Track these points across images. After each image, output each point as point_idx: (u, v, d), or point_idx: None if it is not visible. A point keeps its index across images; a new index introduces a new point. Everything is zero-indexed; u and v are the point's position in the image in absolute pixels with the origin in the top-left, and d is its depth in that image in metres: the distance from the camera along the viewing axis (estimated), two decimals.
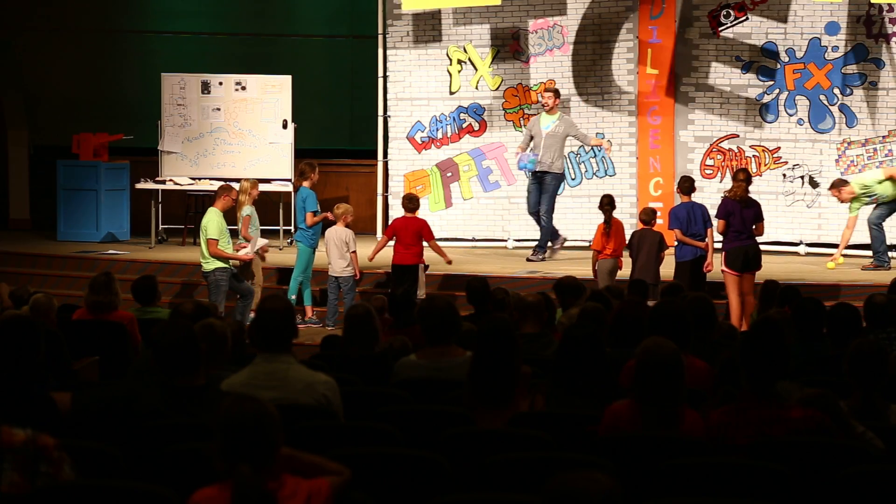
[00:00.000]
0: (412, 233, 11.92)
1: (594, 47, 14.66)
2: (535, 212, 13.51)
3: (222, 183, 12.91)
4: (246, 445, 3.63)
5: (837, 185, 13.23)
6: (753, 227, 11.32)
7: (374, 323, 6.61)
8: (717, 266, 11.63)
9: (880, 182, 13.13)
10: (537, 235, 13.79)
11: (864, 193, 13.18)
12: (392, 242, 12.14)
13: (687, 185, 11.96)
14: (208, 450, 3.71)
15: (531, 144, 13.44)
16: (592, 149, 14.66)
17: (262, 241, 12.46)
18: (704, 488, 4.44)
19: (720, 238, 11.51)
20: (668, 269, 11.78)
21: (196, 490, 3.71)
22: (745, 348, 4.93)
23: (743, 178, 11.44)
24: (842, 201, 13.34)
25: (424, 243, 11.98)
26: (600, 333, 5.67)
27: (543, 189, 13.42)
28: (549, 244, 13.62)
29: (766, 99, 14.30)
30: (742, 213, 11.25)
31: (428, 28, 15.04)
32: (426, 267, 12.09)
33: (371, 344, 6.57)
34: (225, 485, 3.62)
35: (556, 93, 13.71)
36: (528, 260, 13.43)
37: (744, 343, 4.98)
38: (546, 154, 13.29)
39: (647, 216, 11.94)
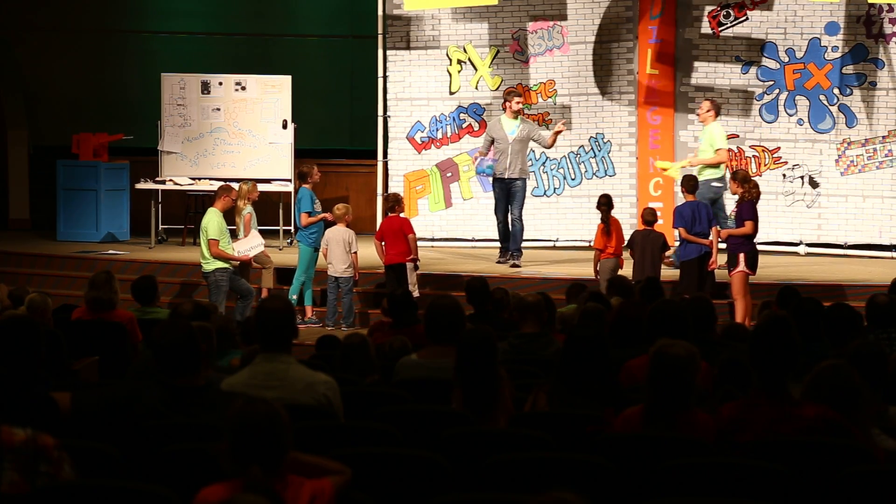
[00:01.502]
0: (394, 232, 11.96)
1: (594, 47, 14.66)
2: (505, 219, 13.18)
3: (222, 183, 12.91)
4: (256, 447, 3.65)
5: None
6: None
7: (369, 353, 6.55)
8: (718, 266, 11.66)
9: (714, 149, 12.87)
10: (538, 235, 13.75)
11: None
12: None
13: (692, 184, 11.99)
14: (217, 449, 3.72)
15: (492, 149, 13.10)
16: (592, 149, 14.66)
17: (253, 243, 12.31)
18: (704, 488, 4.44)
19: (718, 238, 11.56)
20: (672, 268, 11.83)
21: (201, 488, 3.71)
22: (754, 347, 4.92)
23: (746, 175, 11.51)
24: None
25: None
26: (605, 334, 5.68)
27: (513, 194, 13.07)
28: (504, 255, 13.33)
29: (766, 99, 14.31)
30: (758, 212, 11.35)
31: (428, 28, 15.04)
32: (416, 266, 12.06)
33: (365, 373, 6.49)
34: (232, 484, 3.63)
35: (521, 95, 13.59)
36: (513, 266, 13.04)
37: (753, 341, 4.97)
38: (515, 160, 12.97)
39: (650, 216, 11.98)
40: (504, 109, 13.37)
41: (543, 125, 14.22)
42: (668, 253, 12.13)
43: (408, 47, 15.10)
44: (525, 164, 13.21)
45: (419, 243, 12.32)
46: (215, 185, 12.88)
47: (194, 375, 4.99)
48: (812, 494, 4.53)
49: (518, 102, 13.16)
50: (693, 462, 4.57)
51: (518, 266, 12.99)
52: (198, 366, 5.01)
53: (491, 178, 13.36)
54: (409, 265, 11.95)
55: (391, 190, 15.01)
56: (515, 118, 13.11)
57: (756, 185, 11.46)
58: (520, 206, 13.13)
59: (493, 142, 13.12)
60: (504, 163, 12.98)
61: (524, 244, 13.50)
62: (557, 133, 13.14)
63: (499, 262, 13.26)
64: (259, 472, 3.60)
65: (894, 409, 5.36)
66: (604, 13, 14.60)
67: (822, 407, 4.78)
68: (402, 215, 12.26)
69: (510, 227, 13.16)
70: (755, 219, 11.25)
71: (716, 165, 12.90)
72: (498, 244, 13.74)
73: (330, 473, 3.92)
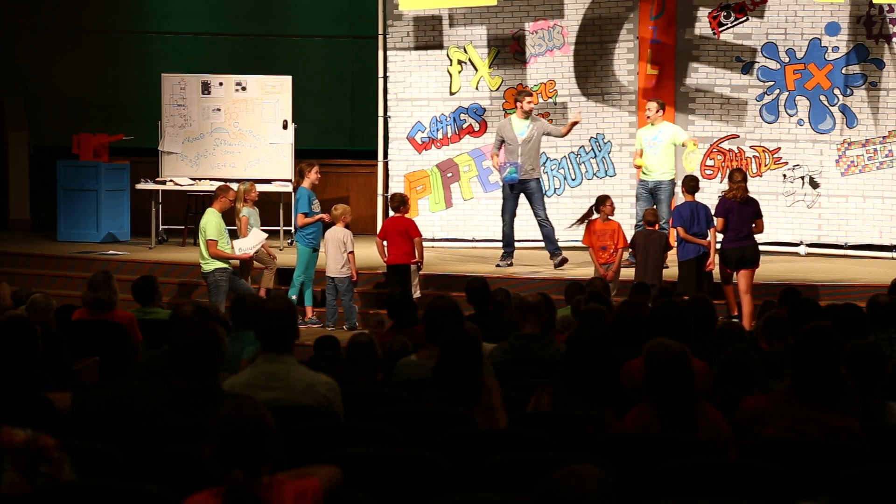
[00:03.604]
0: (399, 232, 11.94)
1: (594, 47, 14.66)
2: (511, 221, 13.05)
3: (220, 183, 12.91)
4: (242, 450, 3.60)
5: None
6: (753, 224, 11.39)
7: (375, 352, 6.55)
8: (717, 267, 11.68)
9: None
10: (538, 235, 13.66)
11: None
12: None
13: (692, 185, 12.02)
14: (202, 452, 3.69)
15: (503, 149, 12.94)
16: (593, 149, 14.66)
17: (254, 241, 12.28)
18: (705, 488, 4.43)
19: (720, 237, 11.59)
20: (672, 268, 11.85)
21: (189, 495, 3.69)
22: (797, 352, 4.89)
23: (740, 178, 11.57)
24: None
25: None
26: (609, 335, 5.68)
27: (532, 197, 12.93)
28: (505, 260, 13.21)
29: (767, 99, 14.31)
30: (741, 212, 11.32)
31: (428, 28, 15.04)
32: (419, 267, 12.05)
33: (371, 373, 6.49)
34: (217, 490, 3.60)
35: (532, 94, 13.37)
36: (560, 265, 12.92)
37: (796, 348, 4.93)
38: (527, 161, 12.81)
39: (652, 217, 12.04)
40: (515, 109, 13.19)
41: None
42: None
43: (408, 48, 15.10)
44: (537, 163, 13.07)
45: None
46: (215, 186, 12.87)
47: (204, 378, 4.93)
48: (814, 495, 4.53)
49: (529, 102, 12.98)
50: (693, 462, 4.57)
51: (566, 260, 12.86)
52: (213, 369, 4.95)
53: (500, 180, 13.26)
54: (413, 266, 11.94)
55: (392, 190, 15.01)
56: (526, 118, 12.94)
57: (735, 186, 11.50)
58: (542, 207, 12.97)
59: (503, 142, 13.00)
60: (519, 165, 12.82)
61: (526, 244, 13.48)
62: (574, 124, 13.14)
63: (498, 266, 13.11)
64: (241, 476, 3.56)
65: (893, 405, 5.38)
66: (604, 13, 14.60)
67: (849, 419, 4.78)
68: (406, 216, 12.22)
69: (541, 229, 13.04)
70: (723, 215, 11.40)
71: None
72: (494, 245, 13.68)
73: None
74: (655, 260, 11.72)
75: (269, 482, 3.64)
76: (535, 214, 13.01)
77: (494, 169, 13.28)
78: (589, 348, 5.47)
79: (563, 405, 5.40)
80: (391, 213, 12.27)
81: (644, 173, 13.15)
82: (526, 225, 13.60)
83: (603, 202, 12.17)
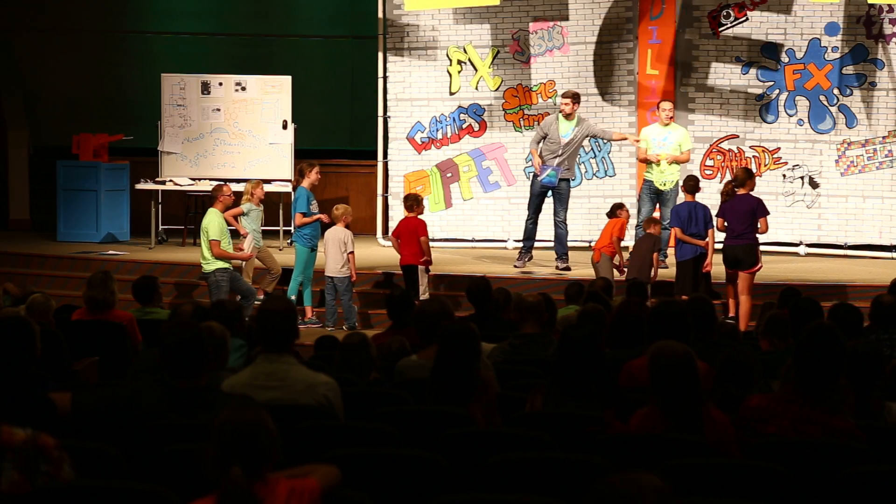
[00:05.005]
0: (410, 232, 11.97)
1: (594, 48, 14.66)
2: (535, 217, 13.03)
3: (217, 183, 12.89)
4: (242, 454, 3.61)
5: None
6: (757, 224, 11.35)
7: (369, 351, 6.54)
8: (716, 267, 11.68)
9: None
10: (539, 235, 13.67)
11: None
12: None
13: (692, 185, 12.03)
14: (201, 455, 3.69)
15: (541, 145, 12.86)
16: (592, 149, 14.65)
17: (250, 241, 12.30)
18: (705, 488, 4.43)
19: (714, 240, 11.64)
20: (670, 269, 11.87)
21: (189, 495, 3.70)
22: (801, 352, 4.89)
23: (733, 176, 11.66)
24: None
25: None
26: (599, 335, 5.67)
27: (559, 197, 12.84)
28: (523, 258, 13.16)
29: (766, 99, 14.31)
30: (733, 211, 11.30)
31: (428, 28, 15.04)
32: (427, 269, 12.04)
33: (365, 373, 6.49)
34: (217, 495, 3.60)
35: (576, 97, 12.90)
36: (564, 270, 12.86)
37: (801, 346, 4.93)
38: (564, 162, 12.74)
39: (648, 225, 12.12)
40: (562, 109, 12.93)
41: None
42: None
43: (408, 48, 15.09)
44: (573, 164, 13.04)
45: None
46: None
47: (197, 377, 4.96)
48: (814, 495, 4.53)
49: (563, 102, 12.83)
50: (694, 462, 4.57)
51: (569, 269, 12.80)
52: (202, 368, 4.98)
53: (531, 177, 13.18)
54: (422, 267, 11.94)
55: (391, 190, 15.03)
56: (571, 120, 12.79)
57: (726, 186, 11.55)
58: (564, 209, 12.90)
59: (544, 138, 12.86)
60: (552, 163, 12.74)
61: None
62: (632, 142, 13.31)
63: (516, 266, 13.02)
64: (240, 472, 3.57)
65: (892, 405, 5.38)
66: (604, 14, 14.60)
67: (851, 422, 4.79)
68: (420, 217, 12.22)
69: (555, 229, 12.97)
70: (719, 215, 11.45)
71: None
72: (494, 245, 13.60)
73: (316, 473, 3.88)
74: (640, 259, 11.76)
75: (263, 481, 3.65)
76: (556, 213, 12.92)
77: (535, 167, 12.90)
78: (577, 349, 5.46)
79: (554, 405, 5.40)
80: (405, 214, 12.28)
81: (648, 171, 13.12)
82: (541, 226, 13.49)
83: (621, 207, 12.39)
